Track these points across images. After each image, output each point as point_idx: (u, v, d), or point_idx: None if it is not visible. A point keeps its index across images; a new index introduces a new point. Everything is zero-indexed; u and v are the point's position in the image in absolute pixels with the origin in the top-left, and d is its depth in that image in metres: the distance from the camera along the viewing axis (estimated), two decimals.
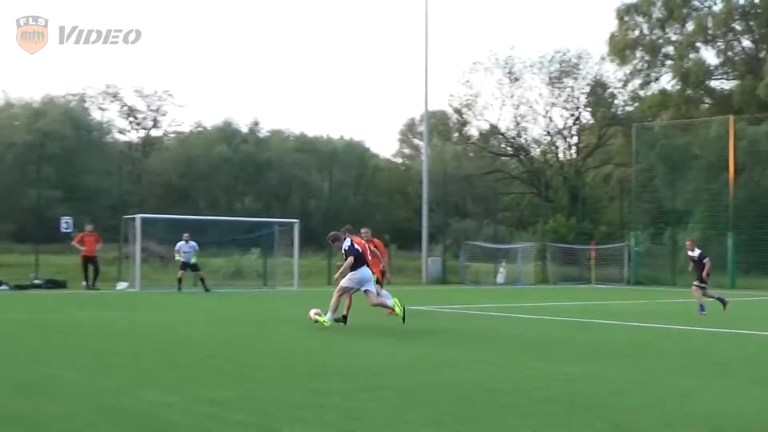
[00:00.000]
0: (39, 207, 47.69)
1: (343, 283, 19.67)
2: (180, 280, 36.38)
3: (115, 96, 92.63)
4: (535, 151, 79.16)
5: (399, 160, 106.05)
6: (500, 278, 52.24)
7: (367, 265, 19.92)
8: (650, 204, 58.95)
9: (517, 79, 73.81)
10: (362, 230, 24.49)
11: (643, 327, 21.89)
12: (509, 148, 79.55)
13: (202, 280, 36.62)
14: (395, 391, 10.74)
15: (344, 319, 20.14)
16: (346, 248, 19.49)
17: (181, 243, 36.74)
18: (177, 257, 36.94)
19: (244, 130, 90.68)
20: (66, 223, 42.03)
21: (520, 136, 77.38)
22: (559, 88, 73.65)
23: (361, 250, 19.85)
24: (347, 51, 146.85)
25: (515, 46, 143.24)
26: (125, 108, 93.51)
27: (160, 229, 43.13)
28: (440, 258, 52.98)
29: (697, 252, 27.93)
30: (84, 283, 37.04)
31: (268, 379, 11.66)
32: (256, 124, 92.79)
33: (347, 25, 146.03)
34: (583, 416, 9.36)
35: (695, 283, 27.60)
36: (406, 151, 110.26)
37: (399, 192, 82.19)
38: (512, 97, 74.30)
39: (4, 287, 36.05)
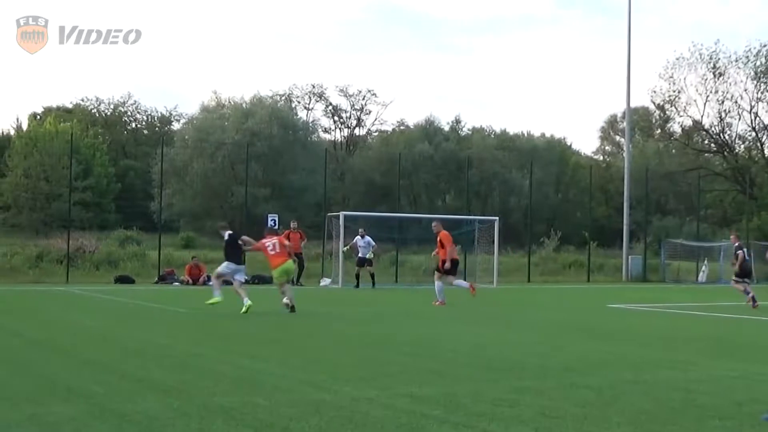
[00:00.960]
0: (247, 204, 48.87)
1: (219, 269, 23.28)
2: (358, 276, 36.68)
3: (320, 96, 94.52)
4: (740, 148, 77.09)
5: (600, 157, 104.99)
6: (702, 277, 51.10)
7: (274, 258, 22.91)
8: None
9: (721, 74, 71.94)
10: (433, 224, 27.61)
11: None
12: (713, 145, 77.70)
13: (372, 275, 36.83)
14: (592, 389, 10.65)
15: (292, 308, 22.15)
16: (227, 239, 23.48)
17: (357, 238, 37.20)
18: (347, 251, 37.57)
19: (446, 128, 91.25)
20: (272, 221, 42.93)
21: (725, 133, 75.50)
22: (765, 83, 71.45)
23: (241, 243, 23.95)
24: (549, 47, 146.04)
25: (719, 40, 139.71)
26: (330, 107, 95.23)
27: (362, 227, 43.67)
28: (641, 256, 52.18)
29: (735, 245, 29.45)
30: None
31: (465, 376, 11.70)
32: (458, 121, 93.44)
33: (548, 21, 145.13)
34: None
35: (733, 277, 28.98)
36: (608, 147, 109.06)
37: (600, 189, 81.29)
38: (716, 92, 72.48)
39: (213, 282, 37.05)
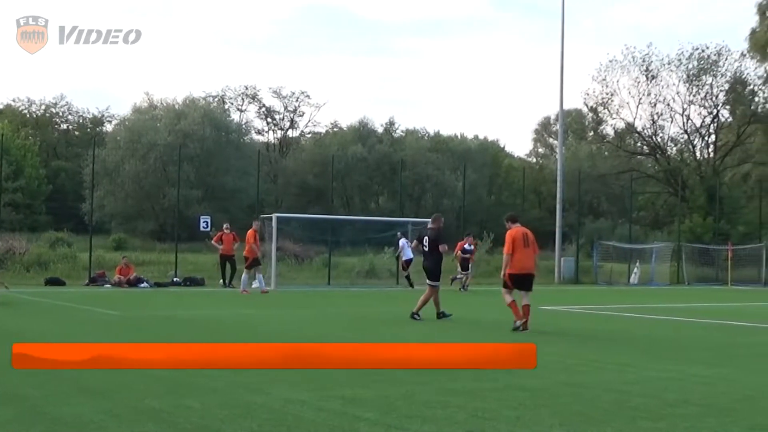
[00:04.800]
0: (179, 206, 48.57)
1: None
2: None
3: (253, 97, 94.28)
4: (672, 150, 77.91)
5: (533, 159, 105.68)
6: (634, 279, 51.56)
7: None
8: None
9: (654, 77, 72.66)
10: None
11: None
12: (645, 147, 78.41)
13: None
14: (526, 391, 10.70)
15: None
16: None
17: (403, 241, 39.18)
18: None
19: (380, 129, 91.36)
20: (205, 223, 42.77)
21: (657, 135, 76.23)
22: (697, 85, 72.22)
23: None
24: (483, 50, 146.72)
25: (652, 43, 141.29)
26: (263, 109, 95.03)
27: (295, 229, 43.59)
28: (573, 258, 52.53)
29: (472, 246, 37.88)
30: (221, 281, 37.59)
31: (398, 378, 11.68)
32: (392, 123, 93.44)
33: (484, 23, 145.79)
34: (717, 420, 9.20)
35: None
36: (541, 150, 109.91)
37: (533, 191, 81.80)
38: (649, 95, 73.17)
39: (144, 285, 36.83)
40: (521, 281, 19.06)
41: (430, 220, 23.25)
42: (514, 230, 19.14)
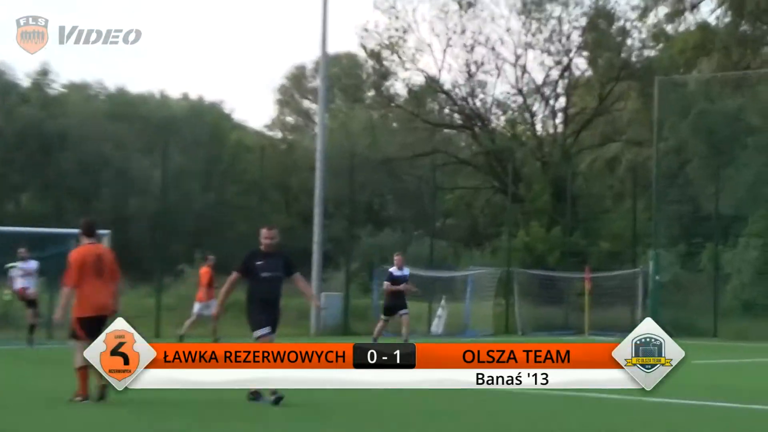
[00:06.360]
0: None
1: None
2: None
3: None
4: (499, 121, 79.31)
5: (278, 134, 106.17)
6: (437, 326, 52.13)
7: None
8: (680, 205, 59.42)
9: (471, 5, 73.78)
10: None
11: (668, 404, 21.89)
12: (457, 115, 79.61)
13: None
14: None
15: None
16: None
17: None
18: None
19: (26, 83, 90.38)
20: None
21: (476, 96, 77.46)
22: (539, 19, 73.73)
23: None
24: None
25: None
26: None
27: None
28: (340, 293, 52.72)
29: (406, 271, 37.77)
30: None
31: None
32: (45, 73, 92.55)
33: None
34: None
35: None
36: (290, 119, 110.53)
37: (277, 186, 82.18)
38: (463, 32, 74.34)
39: None
40: (97, 327, 18.85)
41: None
42: (84, 249, 19.58)
